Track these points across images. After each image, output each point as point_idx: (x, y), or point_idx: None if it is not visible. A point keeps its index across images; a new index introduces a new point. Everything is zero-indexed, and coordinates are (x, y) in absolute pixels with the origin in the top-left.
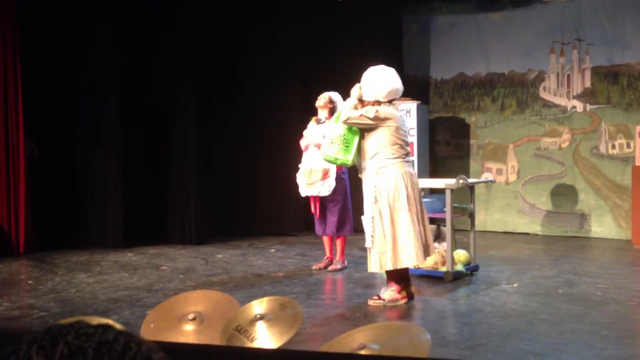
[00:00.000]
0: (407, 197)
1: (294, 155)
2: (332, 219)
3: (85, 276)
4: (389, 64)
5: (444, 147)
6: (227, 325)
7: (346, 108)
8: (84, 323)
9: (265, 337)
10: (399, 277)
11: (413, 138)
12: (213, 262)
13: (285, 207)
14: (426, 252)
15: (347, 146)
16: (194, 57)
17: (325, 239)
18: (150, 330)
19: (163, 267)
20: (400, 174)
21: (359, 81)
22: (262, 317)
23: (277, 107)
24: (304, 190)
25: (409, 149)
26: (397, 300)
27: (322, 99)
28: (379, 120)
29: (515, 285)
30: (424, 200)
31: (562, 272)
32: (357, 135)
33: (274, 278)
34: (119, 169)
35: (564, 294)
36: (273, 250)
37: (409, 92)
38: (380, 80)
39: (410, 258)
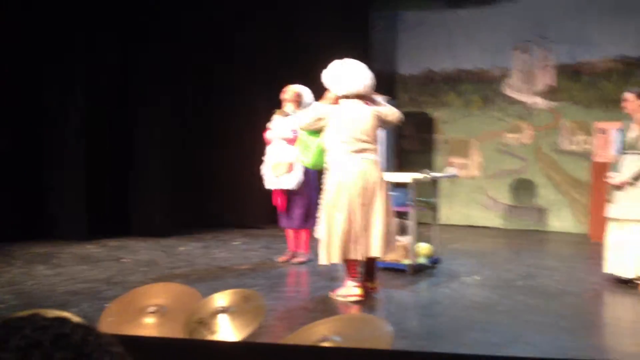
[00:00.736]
0: (340, 193)
1: (260, 148)
2: (297, 212)
3: (44, 268)
4: (356, 59)
5: (410, 141)
6: (189, 318)
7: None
8: (41, 316)
9: (227, 330)
10: (360, 271)
11: (379, 132)
12: (175, 254)
13: (250, 200)
14: (362, 249)
15: (307, 149)
16: (161, 52)
17: (290, 232)
18: (110, 324)
19: (124, 260)
20: (343, 172)
21: (321, 75)
22: (224, 310)
23: (243, 101)
24: (269, 183)
25: (362, 144)
26: (349, 296)
27: (289, 92)
28: (319, 119)
29: (476, 277)
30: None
31: (522, 265)
32: (317, 137)
33: (237, 271)
34: (81, 160)
35: (523, 286)
36: (237, 242)
37: (376, 87)
38: (333, 74)
39: (334, 255)
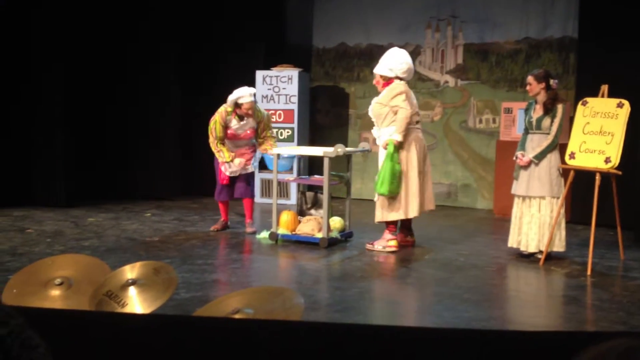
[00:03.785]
0: (411, 157)
1: (174, 118)
2: (244, 184)
3: None
4: (271, 30)
5: (324, 115)
6: (97, 290)
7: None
8: None
9: (137, 303)
10: (399, 226)
11: (294, 105)
12: (84, 225)
13: (162, 171)
14: (421, 206)
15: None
16: (62, 18)
17: (225, 204)
18: (13, 295)
19: (29, 230)
20: (413, 140)
21: (241, 43)
22: (134, 282)
23: (153, 70)
24: (234, 172)
25: (418, 117)
26: (389, 247)
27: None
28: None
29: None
30: (283, 160)
31: (430, 239)
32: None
33: (149, 243)
34: None
35: (430, 259)
36: (149, 214)
37: (291, 59)
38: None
39: (414, 210)
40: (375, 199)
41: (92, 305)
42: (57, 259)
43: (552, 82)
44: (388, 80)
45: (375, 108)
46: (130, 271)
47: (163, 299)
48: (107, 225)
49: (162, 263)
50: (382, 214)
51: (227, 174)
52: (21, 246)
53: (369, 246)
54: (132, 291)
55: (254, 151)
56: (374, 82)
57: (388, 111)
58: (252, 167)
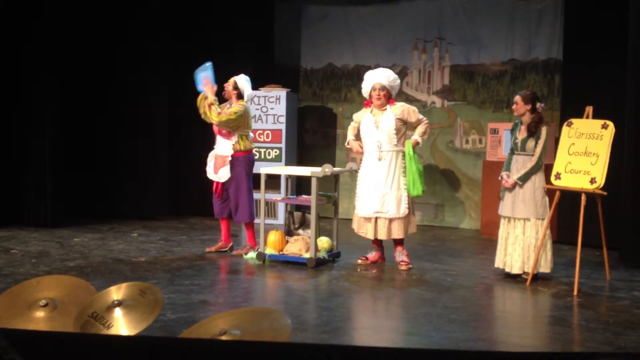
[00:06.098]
0: None
1: (161, 136)
2: (231, 203)
3: None
4: (260, 50)
5: (311, 135)
6: (82, 311)
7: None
8: None
9: (122, 324)
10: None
11: (282, 125)
12: (69, 246)
13: (149, 190)
14: None
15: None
16: (55, 34)
17: (224, 222)
18: None
19: (13, 251)
20: None
21: (228, 62)
22: (120, 304)
23: (145, 87)
24: (209, 174)
25: None
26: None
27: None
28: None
29: (373, 271)
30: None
31: (417, 258)
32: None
33: (135, 263)
34: None
35: (417, 279)
36: (135, 234)
37: (279, 79)
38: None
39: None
40: (391, 215)
41: (77, 326)
42: (42, 280)
43: (538, 105)
44: (390, 98)
45: (398, 124)
46: (116, 292)
47: (149, 321)
48: (93, 246)
49: (148, 284)
50: (409, 228)
51: (209, 175)
52: (5, 267)
53: (403, 267)
54: (118, 312)
55: (229, 162)
56: (382, 94)
57: (405, 128)
58: (225, 175)
